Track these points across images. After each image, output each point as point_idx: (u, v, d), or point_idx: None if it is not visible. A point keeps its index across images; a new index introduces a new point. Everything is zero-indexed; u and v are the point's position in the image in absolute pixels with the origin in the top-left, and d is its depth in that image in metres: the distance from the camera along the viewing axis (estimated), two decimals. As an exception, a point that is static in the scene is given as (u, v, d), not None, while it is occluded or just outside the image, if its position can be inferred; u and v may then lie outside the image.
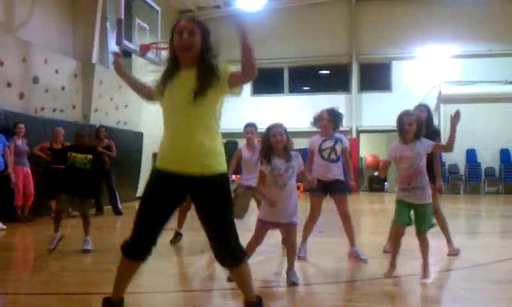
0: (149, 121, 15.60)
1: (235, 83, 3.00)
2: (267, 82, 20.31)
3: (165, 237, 6.45)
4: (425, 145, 4.66)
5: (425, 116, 6.03)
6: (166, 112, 3.09)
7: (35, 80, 10.63)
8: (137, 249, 3.10)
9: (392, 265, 4.74)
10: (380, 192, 19.07)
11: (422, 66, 18.64)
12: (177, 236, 6.83)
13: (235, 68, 3.05)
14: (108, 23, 13.17)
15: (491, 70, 17.68)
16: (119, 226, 9.73)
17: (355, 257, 5.52)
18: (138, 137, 14.69)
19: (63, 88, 11.62)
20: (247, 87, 19.96)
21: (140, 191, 15.07)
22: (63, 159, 9.90)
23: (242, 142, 6.98)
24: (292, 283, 4.48)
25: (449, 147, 4.70)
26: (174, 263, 5.79)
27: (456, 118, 4.68)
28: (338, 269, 5.30)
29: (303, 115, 19.18)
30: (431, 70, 18.51)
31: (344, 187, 5.69)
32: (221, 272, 5.36)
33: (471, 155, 18.20)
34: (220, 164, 3.05)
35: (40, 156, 9.80)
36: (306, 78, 20.63)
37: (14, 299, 4.24)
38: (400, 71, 18.93)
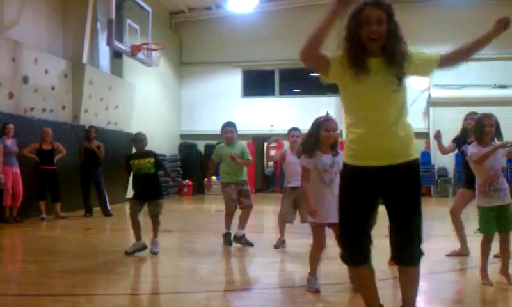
0: (139, 122, 15.55)
1: (443, 67, 2.96)
2: (258, 84, 20.35)
3: (161, 238, 6.44)
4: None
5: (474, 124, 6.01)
6: (360, 100, 2.88)
7: (25, 80, 10.57)
8: (355, 253, 2.96)
9: (484, 271, 4.62)
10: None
11: (411, 69, 18.73)
12: (227, 236, 6.83)
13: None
14: (99, 24, 13.12)
15: (481, 74, 17.80)
16: (108, 228, 9.69)
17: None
18: (128, 138, 14.59)
19: (52, 88, 11.55)
20: (238, 89, 20.00)
21: (130, 193, 14.98)
22: (51, 160, 9.98)
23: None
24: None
25: None
26: (166, 265, 5.78)
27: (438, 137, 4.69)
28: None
29: (293, 117, 19.24)
30: (420, 74, 18.60)
31: None
32: (211, 274, 5.37)
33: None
34: (415, 149, 2.93)
35: (29, 157, 9.75)
36: (297, 81, 20.66)
37: (3, 300, 4.22)
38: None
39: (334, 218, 4.19)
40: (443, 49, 3.12)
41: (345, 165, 3.01)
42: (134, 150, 6.59)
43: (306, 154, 4.28)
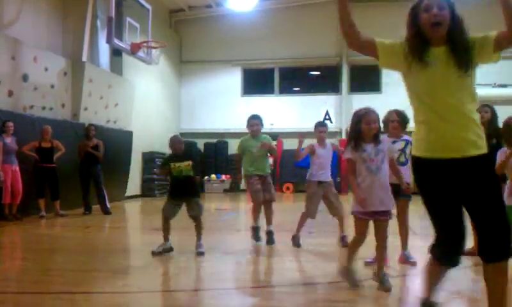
0: (139, 120, 15.57)
1: (501, 46, 2.70)
2: (258, 82, 20.35)
3: (159, 237, 6.44)
4: None
5: (489, 116, 6.01)
6: (426, 89, 2.78)
7: (24, 78, 10.56)
8: (449, 252, 2.89)
9: None
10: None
11: (411, 68, 18.73)
12: (256, 230, 6.83)
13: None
14: (98, 22, 13.11)
15: (480, 73, 17.49)
16: (107, 226, 9.69)
17: (405, 260, 5.44)
18: (128, 136, 14.64)
19: (52, 86, 11.55)
20: (237, 88, 19.99)
21: (129, 191, 15.04)
22: (51, 158, 9.98)
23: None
24: (385, 289, 4.32)
25: None
26: (163, 263, 5.78)
27: None
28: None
29: (293, 115, 19.28)
30: (420, 72, 18.61)
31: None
32: (210, 272, 5.37)
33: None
34: (484, 143, 2.77)
35: (29, 155, 9.76)
36: (297, 79, 20.67)
37: (2, 298, 4.21)
38: (390, 73, 18.89)
39: (382, 206, 4.31)
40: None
41: (415, 159, 2.90)
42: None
43: (351, 147, 4.35)
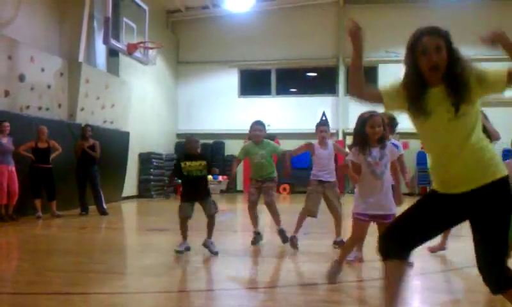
0: (136, 121, 15.56)
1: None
2: (255, 83, 20.36)
3: (155, 238, 6.44)
4: None
5: (482, 118, 6.07)
6: (424, 133, 2.85)
7: (21, 78, 10.54)
8: (396, 244, 2.85)
9: None
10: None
11: (408, 69, 18.76)
12: (257, 236, 6.82)
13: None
14: (95, 22, 13.09)
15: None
16: (104, 226, 9.68)
17: None
18: (124, 136, 14.62)
19: (49, 86, 11.52)
20: (234, 89, 20.00)
21: (126, 191, 15.03)
22: (47, 158, 9.97)
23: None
24: None
25: None
26: (160, 263, 5.78)
27: None
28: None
29: (290, 117, 19.30)
30: (417, 74, 18.64)
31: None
32: (208, 272, 5.37)
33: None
34: (496, 167, 2.74)
35: (25, 155, 9.74)
36: (293, 81, 20.69)
37: (-2, 299, 4.21)
38: (386, 75, 19.01)
39: (382, 210, 4.33)
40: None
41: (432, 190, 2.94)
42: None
43: (357, 150, 4.34)
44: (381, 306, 2.95)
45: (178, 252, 6.01)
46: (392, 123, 5.60)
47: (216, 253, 6.00)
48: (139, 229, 10.06)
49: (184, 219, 6.12)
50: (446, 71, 2.71)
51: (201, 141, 21.65)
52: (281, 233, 6.59)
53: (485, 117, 5.98)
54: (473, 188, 2.70)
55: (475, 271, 2.78)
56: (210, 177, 20.17)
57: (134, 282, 5.01)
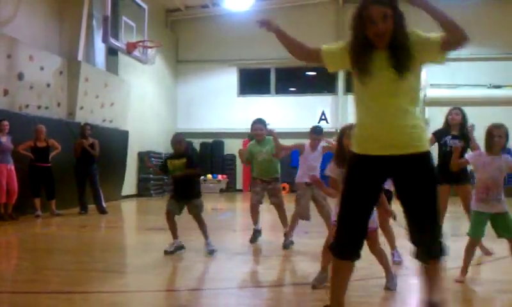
0: (135, 120, 15.56)
1: (446, 48, 2.75)
2: (254, 82, 20.35)
3: (155, 236, 6.44)
4: (508, 163, 4.57)
5: (460, 119, 6.18)
6: (366, 90, 2.87)
7: (20, 76, 10.53)
8: (346, 247, 2.92)
9: (463, 271, 4.66)
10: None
11: (407, 68, 18.78)
12: (256, 234, 6.82)
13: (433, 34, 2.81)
14: (94, 21, 13.08)
15: (476, 74, 17.89)
16: (103, 225, 9.68)
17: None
18: (124, 135, 14.61)
19: (48, 85, 11.51)
20: (234, 88, 19.99)
21: (125, 190, 15.02)
22: (46, 157, 9.96)
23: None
24: (386, 288, 4.39)
25: None
26: (161, 262, 5.78)
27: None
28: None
29: (289, 116, 19.28)
30: (416, 73, 18.66)
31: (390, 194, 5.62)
32: (207, 272, 5.38)
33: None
34: (426, 141, 2.89)
35: (24, 154, 9.74)
36: (293, 80, 20.67)
37: (-2, 297, 4.21)
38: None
39: None
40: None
41: (352, 154, 2.97)
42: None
43: (335, 163, 4.15)
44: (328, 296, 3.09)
45: (167, 252, 5.98)
46: None
47: (211, 252, 5.98)
48: (139, 228, 10.06)
49: (168, 213, 6.10)
50: (391, 38, 2.79)
51: (201, 140, 21.65)
52: (285, 237, 6.58)
53: (473, 128, 6.08)
54: (404, 153, 2.79)
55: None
56: (209, 176, 20.03)
57: (134, 280, 5.01)
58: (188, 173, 6.13)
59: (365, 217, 2.92)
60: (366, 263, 5.40)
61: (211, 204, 13.99)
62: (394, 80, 2.76)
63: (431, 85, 18.33)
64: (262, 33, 3.36)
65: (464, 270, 4.66)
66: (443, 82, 18.14)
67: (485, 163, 4.60)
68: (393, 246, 5.52)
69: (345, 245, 2.93)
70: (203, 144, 19.55)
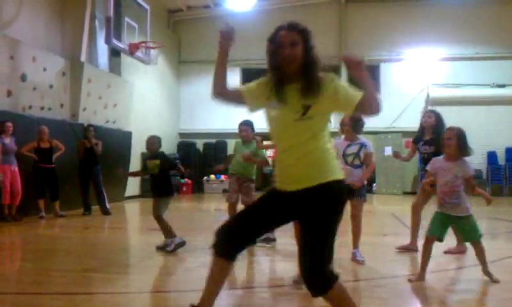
0: (138, 121, 15.56)
1: (358, 111, 2.77)
2: (256, 82, 20.33)
3: (158, 238, 6.45)
4: (465, 170, 4.58)
5: (433, 121, 6.15)
6: (272, 129, 2.91)
7: (23, 78, 10.55)
8: (226, 243, 2.91)
9: (421, 272, 4.69)
10: (368, 194, 19.15)
11: (410, 68, 18.74)
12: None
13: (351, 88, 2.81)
14: (97, 22, 13.10)
15: (479, 73, 17.84)
16: (107, 226, 9.68)
17: (353, 258, 5.54)
18: (127, 136, 14.62)
19: (51, 86, 11.53)
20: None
21: (129, 191, 15.03)
22: (49, 158, 9.97)
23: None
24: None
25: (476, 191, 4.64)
26: (163, 263, 5.78)
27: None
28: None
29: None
30: (419, 73, 18.62)
31: (363, 192, 5.71)
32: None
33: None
34: (331, 172, 2.78)
35: (28, 156, 9.75)
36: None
37: (1, 298, 4.21)
38: (388, 74, 19.03)
39: None
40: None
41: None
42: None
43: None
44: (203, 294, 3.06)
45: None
46: (357, 123, 5.65)
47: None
48: (143, 229, 10.06)
49: (153, 215, 6.35)
50: (301, 70, 2.77)
51: (204, 140, 21.64)
52: (266, 238, 6.62)
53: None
54: (305, 187, 2.75)
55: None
56: (212, 177, 19.99)
57: (137, 282, 5.01)
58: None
59: (255, 229, 2.94)
60: (365, 265, 5.42)
61: (214, 205, 14.00)
62: (295, 117, 2.74)
63: (433, 84, 18.33)
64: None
65: (422, 270, 4.67)
66: (445, 81, 18.12)
67: (441, 168, 4.66)
68: (356, 244, 5.57)
69: (224, 242, 2.90)
70: (206, 145, 19.55)
